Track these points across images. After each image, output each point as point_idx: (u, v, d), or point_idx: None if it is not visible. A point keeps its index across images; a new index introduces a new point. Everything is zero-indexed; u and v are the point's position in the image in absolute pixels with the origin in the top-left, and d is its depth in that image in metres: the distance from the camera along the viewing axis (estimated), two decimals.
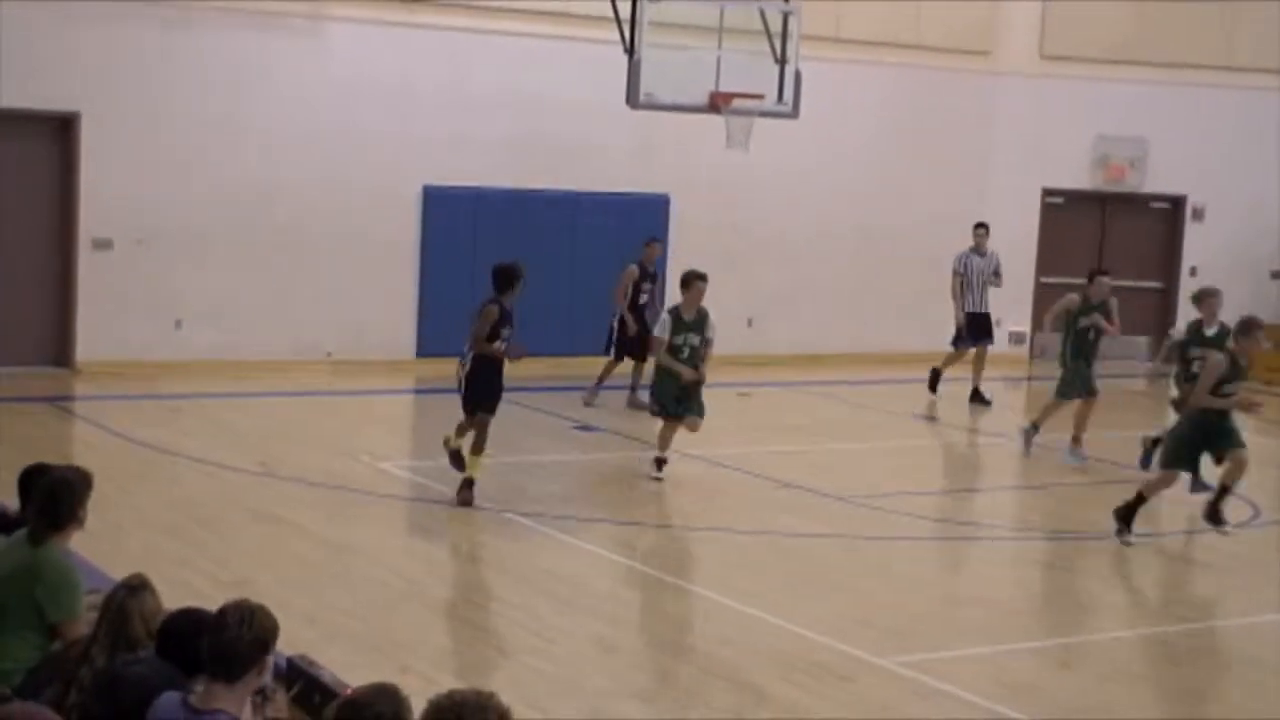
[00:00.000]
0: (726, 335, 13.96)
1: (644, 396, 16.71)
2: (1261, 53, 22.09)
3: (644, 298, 16.96)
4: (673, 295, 15.86)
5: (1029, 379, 21.26)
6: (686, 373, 13.23)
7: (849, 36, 20.49)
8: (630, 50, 15.90)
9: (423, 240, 18.88)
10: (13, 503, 7.24)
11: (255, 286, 18.03)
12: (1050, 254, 22.51)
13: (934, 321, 20.15)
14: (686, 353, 13.28)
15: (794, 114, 16.98)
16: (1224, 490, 11.98)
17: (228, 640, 4.91)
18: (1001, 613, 10.38)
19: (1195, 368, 13.00)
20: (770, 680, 8.58)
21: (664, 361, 13.31)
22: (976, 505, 14.16)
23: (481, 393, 12.13)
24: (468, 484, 12.15)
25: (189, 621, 5.32)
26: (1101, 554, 12.03)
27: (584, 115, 18.91)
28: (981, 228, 18.61)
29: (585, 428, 15.82)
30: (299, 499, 12.17)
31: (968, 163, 21.86)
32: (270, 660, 5.04)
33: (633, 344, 16.79)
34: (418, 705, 4.27)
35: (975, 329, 18.51)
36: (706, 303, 13.44)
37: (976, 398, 18.41)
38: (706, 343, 13.37)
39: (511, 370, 12.40)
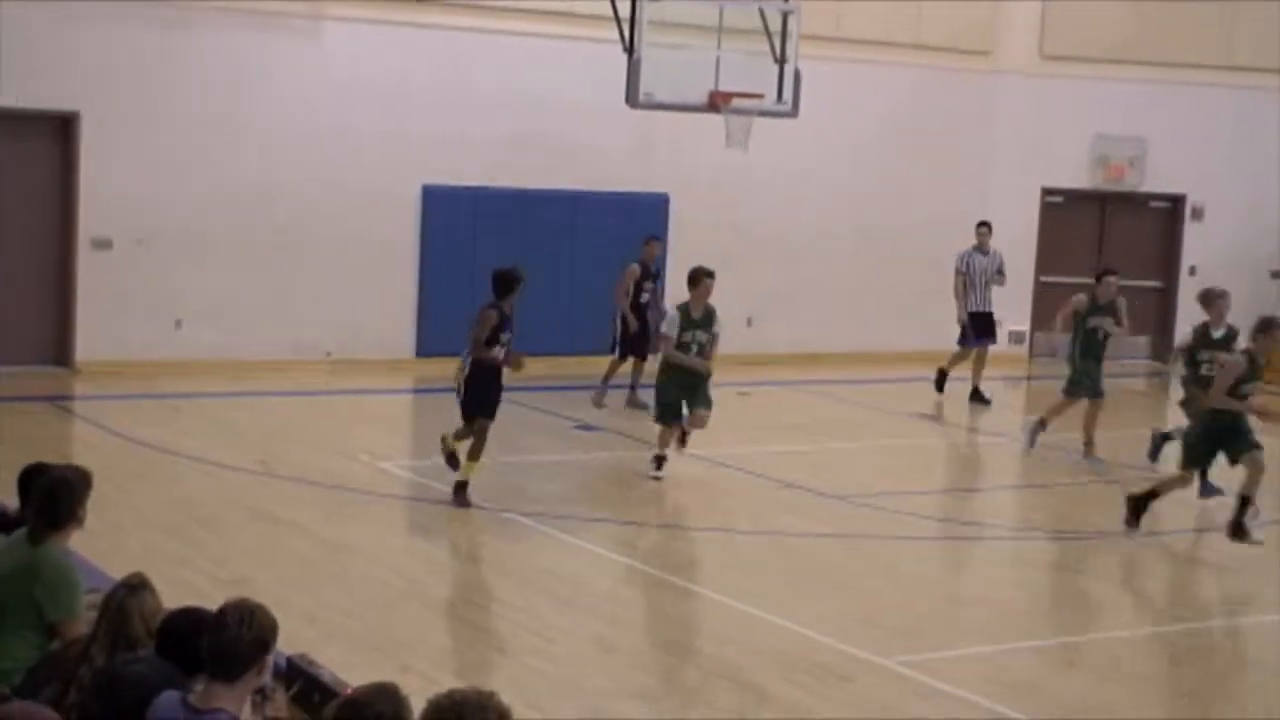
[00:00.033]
0: (726, 334, 13.91)
1: (644, 396, 16.72)
2: (1261, 52, 22.08)
3: (645, 296, 16.94)
4: (674, 294, 15.88)
5: (1028, 378, 21.26)
6: (699, 364, 13.21)
7: (849, 36, 20.47)
8: (630, 49, 15.89)
9: (422, 240, 18.86)
10: (12, 502, 7.24)
11: (255, 286, 18.01)
12: (1050, 253, 22.49)
13: (934, 321, 20.14)
14: (695, 349, 13.27)
15: (793, 113, 16.98)
16: (1245, 501, 11.65)
17: (227, 639, 4.90)
18: (1003, 612, 10.37)
19: (1205, 370, 12.86)
20: (772, 680, 8.57)
21: (673, 358, 13.28)
22: (977, 504, 14.14)
23: (480, 398, 12.07)
24: (460, 487, 12.13)
25: (189, 621, 5.32)
26: (1103, 553, 12.03)
27: (583, 115, 18.89)
28: (984, 226, 18.59)
29: (585, 427, 15.81)
30: (298, 498, 12.16)
31: (967, 162, 21.85)
32: (270, 660, 5.03)
33: (634, 342, 16.79)
34: (417, 705, 4.26)
35: (978, 328, 18.48)
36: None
37: (976, 397, 18.38)
38: (714, 338, 13.37)
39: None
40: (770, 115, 16.92)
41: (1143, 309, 21.95)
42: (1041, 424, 15.38)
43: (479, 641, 9.28)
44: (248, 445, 13.98)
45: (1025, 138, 22.06)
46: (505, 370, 12.11)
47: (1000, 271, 18.54)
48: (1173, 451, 13.31)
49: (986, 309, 18.52)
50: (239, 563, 10.25)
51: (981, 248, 18.53)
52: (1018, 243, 21.35)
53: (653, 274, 17.14)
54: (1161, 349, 22.33)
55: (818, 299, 21.14)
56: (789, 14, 16.83)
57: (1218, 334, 13.44)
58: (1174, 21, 21.89)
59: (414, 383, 18.33)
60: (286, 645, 5.42)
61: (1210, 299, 13.63)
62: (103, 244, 17.27)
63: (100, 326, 17.31)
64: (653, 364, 16.98)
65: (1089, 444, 14.98)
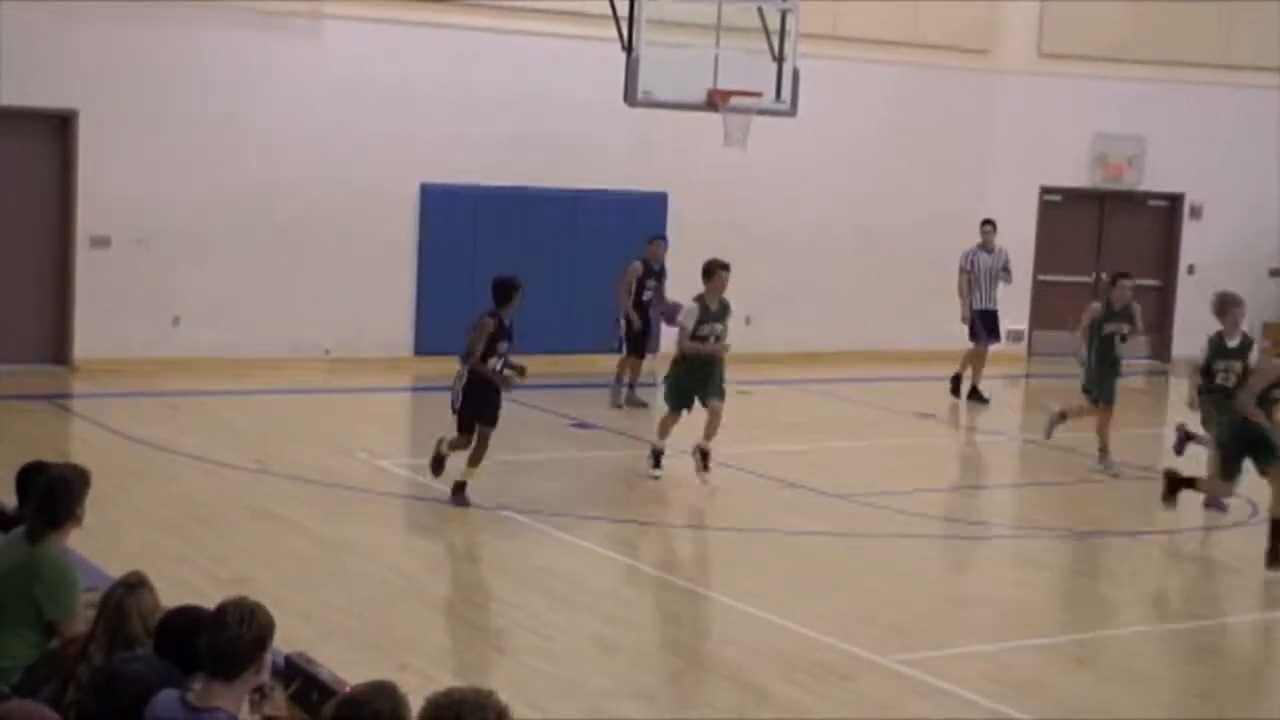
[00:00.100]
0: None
1: (641, 395, 16.74)
2: (1259, 51, 22.08)
3: (647, 294, 16.93)
4: (674, 293, 15.86)
5: (1027, 377, 21.25)
6: (714, 347, 13.24)
7: (847, 35, 20.47)
8: (629, 48, 15.90)
9: (421, 239, 18.85)
10: (11, 500, 7.24)
11: (254, 285, 18.00)
12: (1049, 252, 22.49)
13: (933, 320, 20.13)
14: (712, 340, 13.33)
15: (792, 112, 16.99)
16: (1277, 525, 11.26)
17: (226, 638, 4.89)
18: (1004, 611, 10.35)
19: (1220, 380, 12.29)
20: (772, 680, 8.55)
21: (689, 349, 13.27)
22: (978, 503, 14.13)
23: (480, 406, 12.01)
24: (459, 486, 12.11)
25: (187, 619, 5.31)
26: (1106, 552, 12.02)
27: (582, 113, 18.89)
28: (989, 224, 18.56)
29: (583, 425, 15.81)
30: (297, 496, 12.15)
31: (966, 161, 21.84)
32: (268, 658, 5.02)
33: (635, 340, 16.78)
34: (416, 703, 4.25)
35: (983, 326, 18.44)
36: None
37: (975, 396, 18.38)
38: (725, 329, 13.43)
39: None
40: (769, 114, 16.92)
41: (1141, 308, 21.95)
42: (1062, 416, 15.00)
43: (477, 640, 9.27)
44: (246, 444, 13.98)
45: (1024, 137, 22.06)
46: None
47: (1006, 269, 18.51)
48: (1196, 451, 13.16)
49: (992, 307, 18.47)
50: (237, 561, 10.24)
51: (986, 245, 18.49)
52: (1017, 242, 21.31)
53: (656, 272, 17.13)
54: (1160, 347, 22.31)
55: (816, 298, 21.13)
56: (788, 12, 16.83)
57: (1233, 343, 12.58)
58: (1173, 20, 21.89)
59: (413, 381, 18.33)
60: (285, 643, 5.42)
61: (1225, 307, 12.71)
62: (101, 242, 17.27)
63: (99, 325, 17.31)
64: (651, 362, 17.09)
65: (1103, 450, 14.61)
